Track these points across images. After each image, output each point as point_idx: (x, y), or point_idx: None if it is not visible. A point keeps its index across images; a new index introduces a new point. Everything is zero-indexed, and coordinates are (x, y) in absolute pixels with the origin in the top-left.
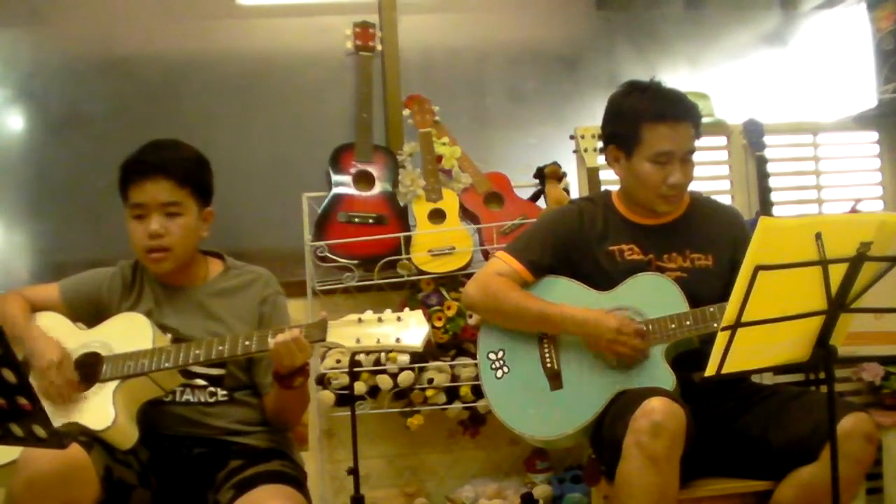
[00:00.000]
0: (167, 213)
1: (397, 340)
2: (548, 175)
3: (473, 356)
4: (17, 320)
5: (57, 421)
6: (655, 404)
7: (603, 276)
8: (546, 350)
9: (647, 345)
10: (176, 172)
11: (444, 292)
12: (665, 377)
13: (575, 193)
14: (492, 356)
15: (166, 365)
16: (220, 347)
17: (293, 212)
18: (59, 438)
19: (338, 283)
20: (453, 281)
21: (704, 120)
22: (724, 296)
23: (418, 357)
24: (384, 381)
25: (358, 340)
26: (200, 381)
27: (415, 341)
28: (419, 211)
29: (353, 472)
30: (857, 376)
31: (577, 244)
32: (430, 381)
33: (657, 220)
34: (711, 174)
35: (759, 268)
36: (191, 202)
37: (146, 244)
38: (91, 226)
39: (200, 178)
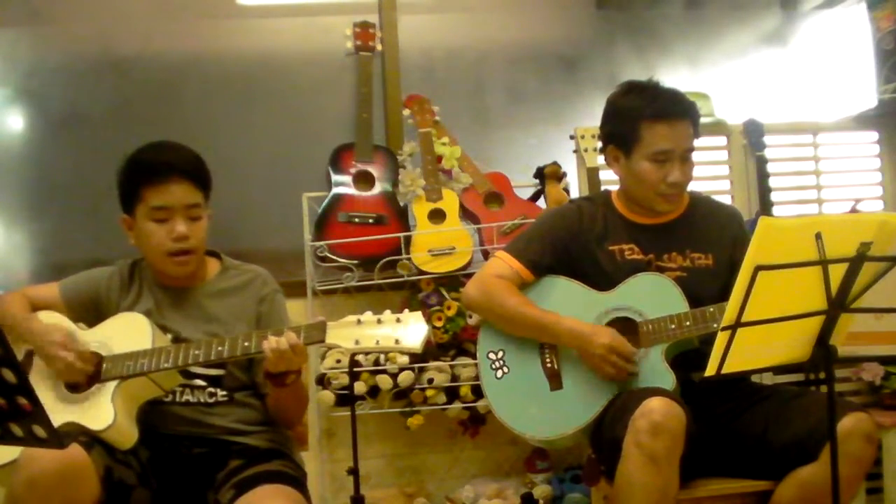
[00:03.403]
0: (190, 216)
1: (396, 342)
2: (548, 175)
3: (473, 356)
4: (17, 317)
5: (57, 421)
6: (655, 404)
7: (603, 276)
8: (546, 350)
9: (636, 369)
10: (195, 173)
11: (444, 292)
12: (665, 377)
13: (575, 193)
14: (492, 356)
15: (166, 365)
16: (220, 348)
17: (293, 212)
18: (59, 438)
19: (338, 283)
20: (453, 281)
21: (704, 120)
22: (723, 295)
23: (418, 357)
24: (384, 381)
25: (357, 342)
26: (200, 382)
27: (414, 343)
28: (419, 211)
29: (353, 472)
30: (857, 376)
31: (576, 243)
32: (430, 381)
33: (657, 220)
34: (711, 174)
35: (759, 268)
36: (204, 203)
37: (170, 247)
38: (91, 226)
39: (208, 178)
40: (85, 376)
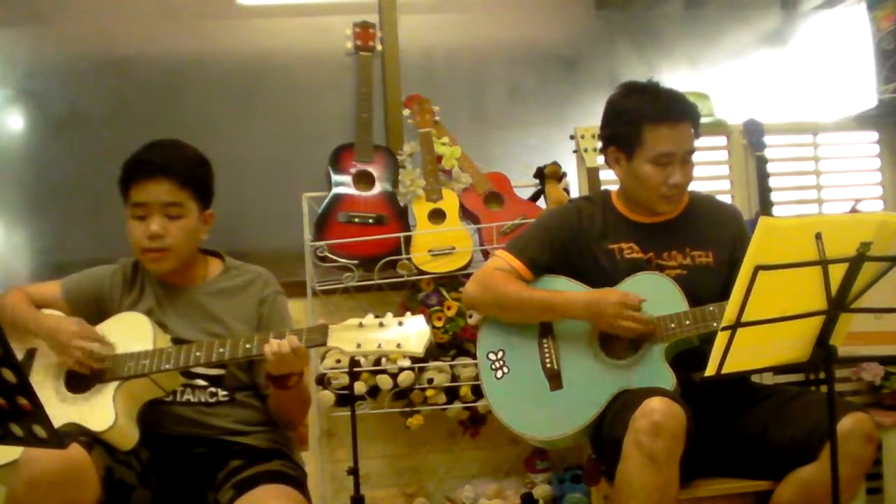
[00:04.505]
0: (168, 214)
1: (398, 346)
2: (548, 175)
3: (473, 356)
4: (22, 311)
5: (57, 421)
6: (655, 404)
7: (602, 275)
8: (546, 350)
9: (652, 317)
10: (178, 173)
11: (444, 292)
12: (665, 377)
13: (575, 193)
14: (492, 356)
15: (167, 366)
16: (221, 350)
17: (293, 212)
18: (59, 438)
19: (338, 284)
20: (453, 281)
21: (704, 120)
22: (724, 293)
23: (418, 357)
24: (384, 381)
25: (359, 345)
26: (201, 382)
27: (416, 347)
28: (419, 211)
29: (353, 472)
30: (857, 376)
31: (576, 243)
32: (430, 381)
33: (657, 219)
34: (711, 174)
35: (759, 268)
36: (192, 203)
37: (145, 244)
38: (91, 226)
39: (202, 179)
40: (102, 363)
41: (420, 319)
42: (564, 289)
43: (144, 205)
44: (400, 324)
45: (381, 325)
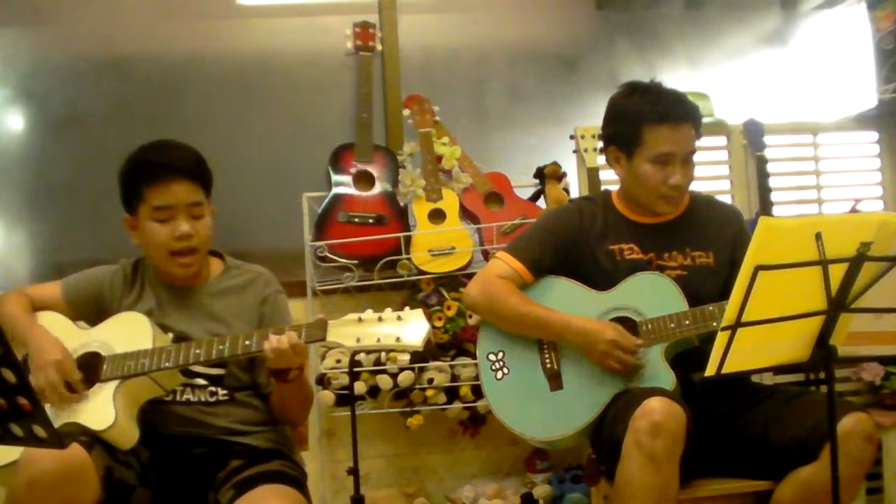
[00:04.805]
0: (192, 214)
1: (397, 339)
2: (548, 175)
3: (473, 356)
4: (19, 319)
5: (57, 421)
6: (655, 404)
7: (603, 276)
8: (546, 351)
9: (640, 362)
10: (194, 172)
11: (444, 292)
12: (665, 377)
13: (575, 193)
14: (492, 357)
15: (166, 365)
16: (221, 347)
17: (293, 212)
18: (59, 438)
19: (338, 283)
20: (453, 281)
21: (704, 120)
22: (724, 293)
23: (418, 357)
24: (384, 381)
25: (358, 340)
26: (201, 381)
27: (415, 340)
28: (419, 211)
29: (353, 472)
30: (857, 376)
31: (576, 243)
32: (430, 381)
33: (657, 219)
34: (711, 174)
35: (759, 268)
36: (206, 201)
37: (173, 246)
38: (91, 226)
39: (209, 176)
40: (62, 401)
41: (419, 313)
42: (565, 290)
43: (170, 207)
44: (399, 318)
45: (379, 319)
